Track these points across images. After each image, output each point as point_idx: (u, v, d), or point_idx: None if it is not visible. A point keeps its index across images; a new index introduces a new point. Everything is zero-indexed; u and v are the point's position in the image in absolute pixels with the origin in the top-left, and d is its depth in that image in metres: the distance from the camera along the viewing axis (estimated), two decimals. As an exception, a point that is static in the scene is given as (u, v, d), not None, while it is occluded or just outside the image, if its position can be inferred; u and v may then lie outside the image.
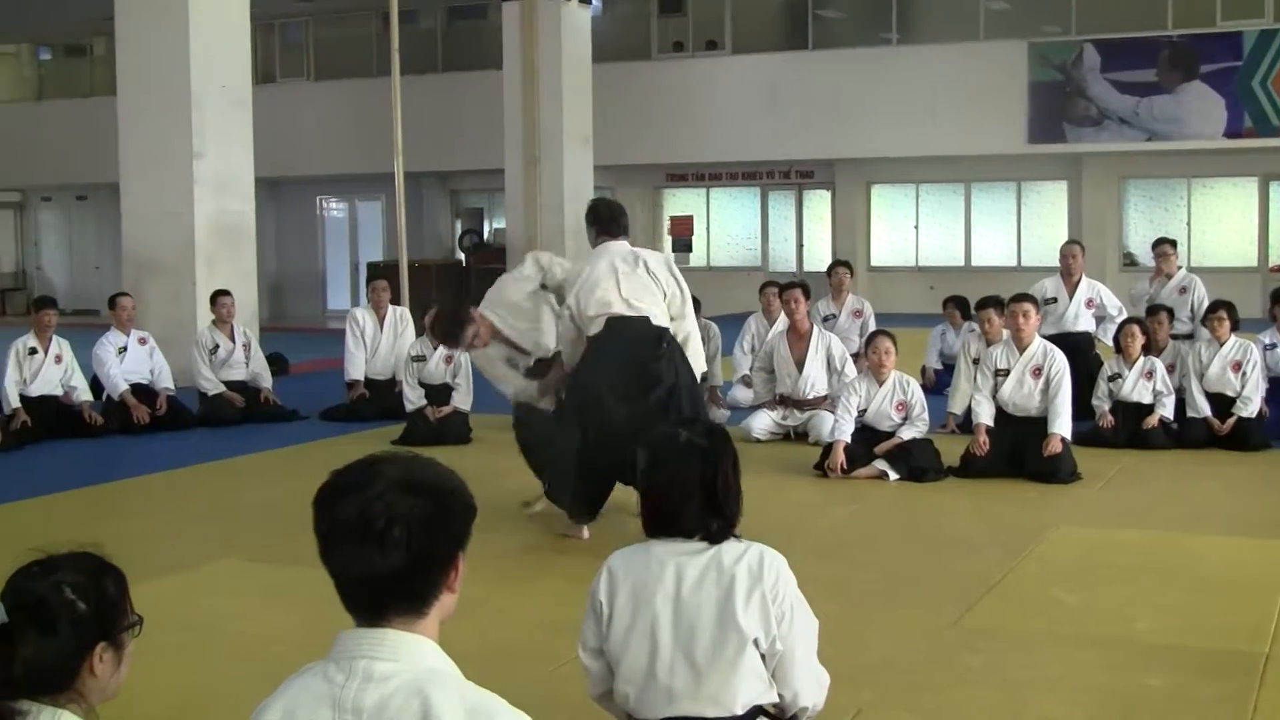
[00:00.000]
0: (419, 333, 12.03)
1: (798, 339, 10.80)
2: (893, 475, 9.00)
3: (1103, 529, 7.68)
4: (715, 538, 3.48)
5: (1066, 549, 7.24)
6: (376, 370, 12.44)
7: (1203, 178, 24.12)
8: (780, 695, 3.51)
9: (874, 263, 26.19)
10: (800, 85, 24.81)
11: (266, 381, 12.64)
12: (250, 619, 6.06)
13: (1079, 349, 11.09)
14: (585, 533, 7.34)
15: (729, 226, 27.67)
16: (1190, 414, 10.27)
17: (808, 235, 26.99)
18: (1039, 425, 9.03)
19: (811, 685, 3.55)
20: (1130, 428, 10.18)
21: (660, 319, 7.23)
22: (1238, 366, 10.28)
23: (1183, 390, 10.39)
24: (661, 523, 3.51)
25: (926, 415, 9.28)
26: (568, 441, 7.28)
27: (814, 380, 10.65)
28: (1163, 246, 12.52)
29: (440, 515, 2.21)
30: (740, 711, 3.45)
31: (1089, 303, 11.82)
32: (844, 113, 24.29)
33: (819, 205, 26.92)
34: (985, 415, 9.24)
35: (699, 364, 7.51)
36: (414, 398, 11.06)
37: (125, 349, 12.02)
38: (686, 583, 3.45)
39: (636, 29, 26.75)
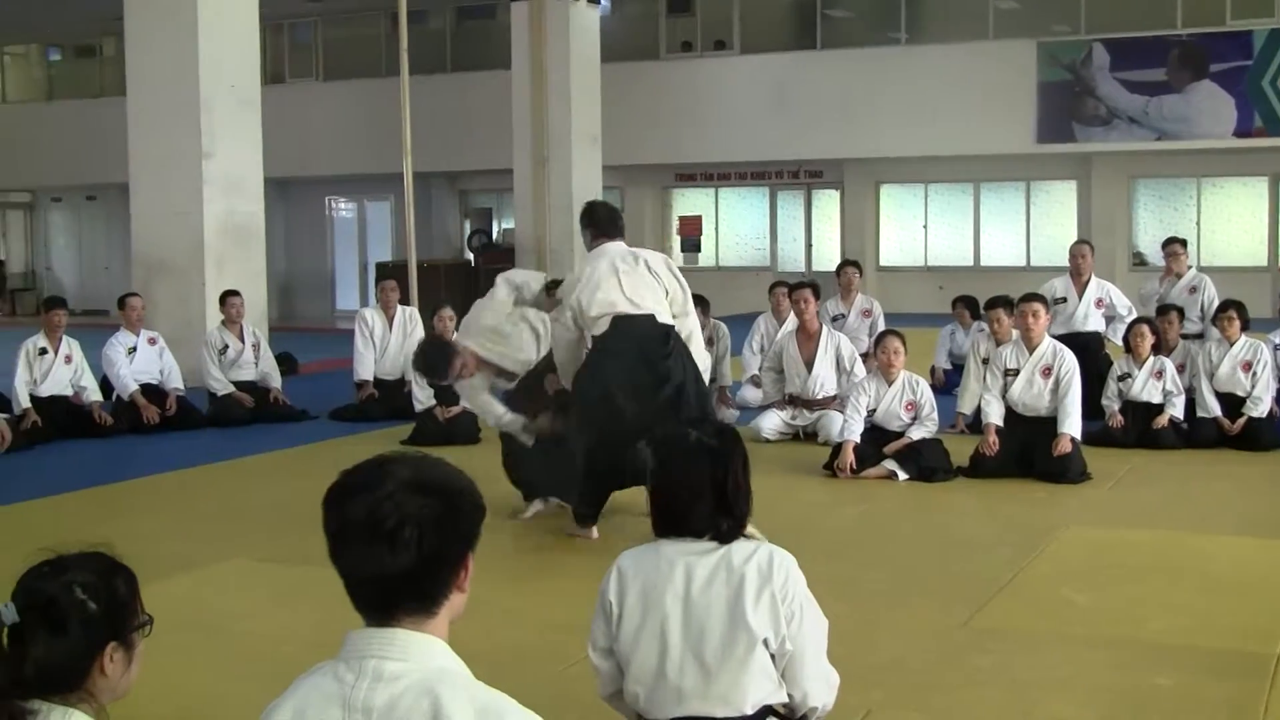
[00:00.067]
0: (428, 333, 12.05)
1: (807, 339, 10.79)
2: (902, 475, 8.99)
3: (1113, 529, 7.66)
4: (725, 537, 3.48)
5: (1076, 549, 7.22)
6: (385, 370, 12.45)
7: (1212, 177, 24.08)
8: (790, 695, 3.51)
9: (883, 262, 26.16)
10: (809, 85, 24.80)
11: (276, 381, 12.66)
12: (260, 619, 6.06)
13: (1089, 349, 11.07)
14: (594, 532, 7.34)
15: (738, 226, 27.66)
16: (1200, 414, 10.25)
17: (816, 235, 26.97)
18: (1048, 425, 9.02)
19: (821, 685, 3.54)
20: (1140, 428, 10.16)
21: (664, 317, 7.24)
22: (1248, 366, 10.26)
23: (1193, 390, 10.37)
24: (671, 522, 3.51)
25: (936, 415, 9.27)
26: (575, 441, 7.28)
27: (823, 380, 10.64)
28: (1173, 246, 12.49)
29: (450, 515, 2.21)
30: (750, 711, 3.45)
31: (1098, 302, 11.79)
32: (853, 113, 24.28)
33: (828, 205, 26.90)
34: (995, 415, 9.22)
35: (702, 361, 7.52)
36: (423, 398, 11.06)
37: (135, 349, 12.04)
38: (696, 582, 3.45)
39: (645, 29, 26.74)
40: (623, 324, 7.11)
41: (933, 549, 7.27)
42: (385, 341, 12.58)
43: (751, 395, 11.74)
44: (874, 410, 9.28)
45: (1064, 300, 11.70)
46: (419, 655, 2.19)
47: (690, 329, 7.43)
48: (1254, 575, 6.67)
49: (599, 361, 7.18)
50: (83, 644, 2.43)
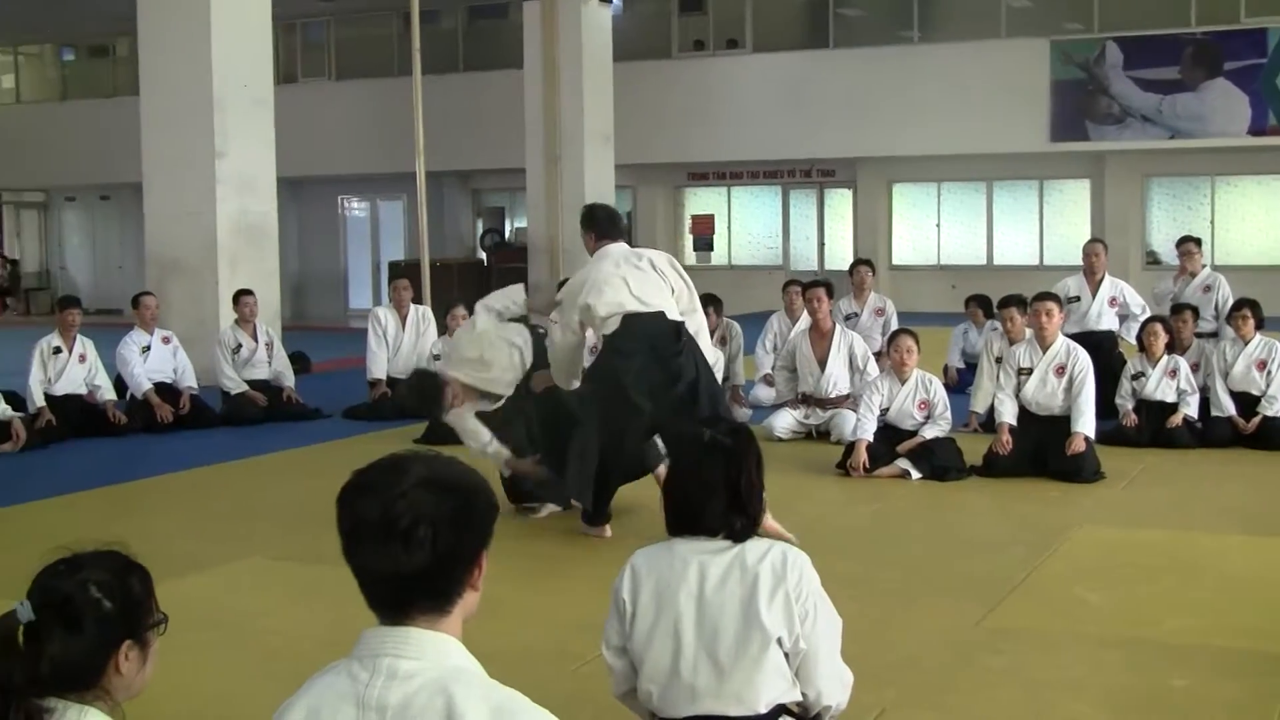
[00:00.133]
0: (441, 332, 12.07)
1: (820, 338, 10.78)
2: (915, 474, 8.98)
3: (1126, 528, 7.65)
4: (739, 536, 3.48)
5: (1090, 548, 7.21)
6: (399, 369, 12.45)
7: (1227, 175, 24.00)
8: (804, 694, 3.51)
9: (896, 261, 26.12)
10: (821, 84, 24.77)
11: (289, 380, 12.68)
12: (274, 617, 6.07)
13: (1102, 348, 11.04)
14: (608, 530, 7.35)
15: (750, 225, 27.63)
16: (1215, 413, 10.23)
17: (829, 234, 26.93)
18: (1062, 424, 9.00)
19: (835, 684, 3.54)
20: (1154, 427, 10.13)
21: (673, 314, 7.25)
22: (1263, 365, 10.23)
23: (1207, 389, 10.34)
24: (685, 521, 3.51)
25: (949, 414, 9.25)
26: (586, 440, 7.28)
27: (836, 379, 10.63)
28: (1187, 245, 12.47)
29: (464, 513, 2.21)
30: (764, 710, 3.45)
31: (1112, 301, 11.77)
32: (865, 111, 24.24)
33: (840, 204, 26.86)
34: (1008, 414, 9.21)
35: (710, 358, 7.54)
36: (436, 397, 11.05)
37: (149, 348, 12.07)
38: (710, 581, 3.45)
39: (657, 27, 26.73)
40: (633, 322, 7.12)
41: (946, 548, 7.26)
42: (398, 340, 12.60)
43: (764, 394, 11.73)
44: (887, 409, 9.27)
45: (1077, 299, 11.68)
46: (433, 654, 2.18)
47: (697, 326, 7.44)
48: (1269, 575, 6.65)
49: (610, 360, 7.18)
50: (98, 642, 2.43)
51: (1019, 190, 25.58)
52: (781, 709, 3.48)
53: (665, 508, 3.57)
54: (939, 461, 9.00)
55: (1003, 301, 10.61)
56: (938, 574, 6.64)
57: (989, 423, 9.79)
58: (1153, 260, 24.00)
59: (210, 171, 14.60)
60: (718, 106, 25.33)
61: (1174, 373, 10.25)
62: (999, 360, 9.71)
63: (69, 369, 11.57)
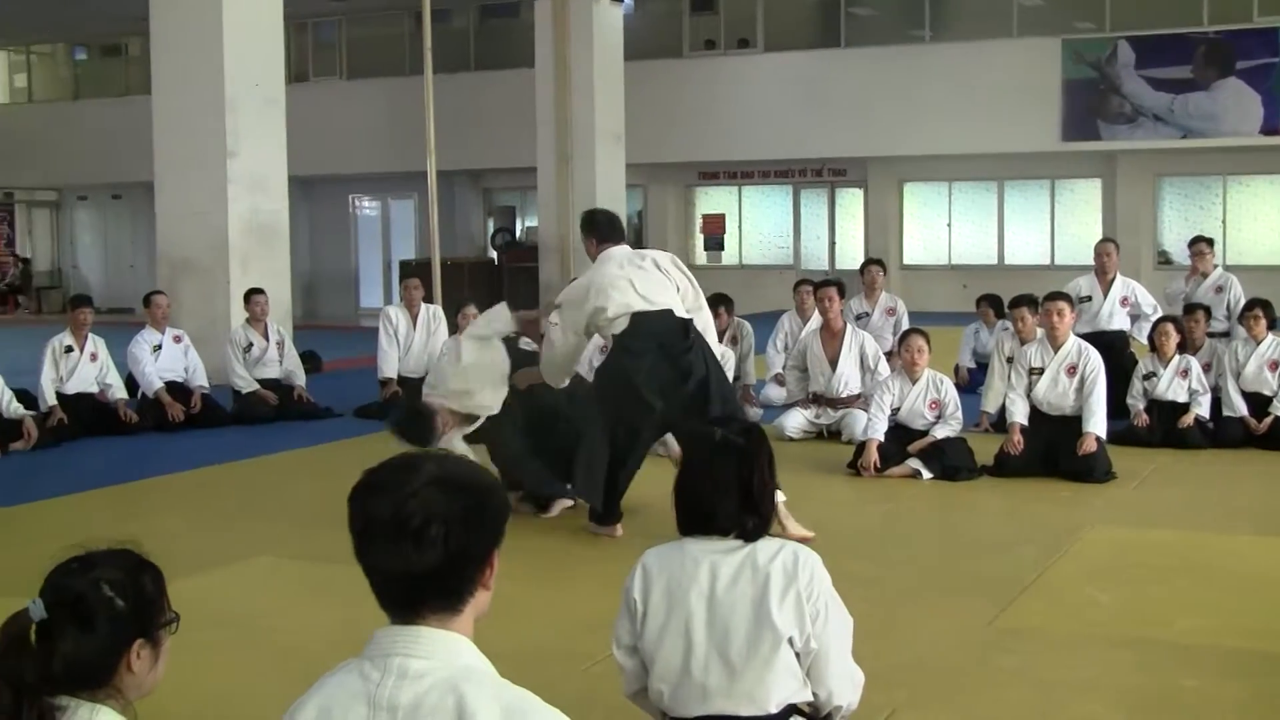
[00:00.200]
0: (451, 330, 12.07)
1: (831, 337, 10.77)
2: (926, 474, 8.97)
3: (1138, 529, 7.63)
4: (750, 536, 3.48)
5: (1101, 549, 7.20)
6: (410, 368, 12.47)
7: (1239, 175, 23.95)
8: (815, 694, 3.51)
9: (907, 261, 26.10)
10: (833, 83, 24.76)
11: (300, 379, 12.70)
12: (285, 616, 6.08)
13: (1114, 347, 11.03)
14: (619, 530, 7.35)
15: (761, 225, 27.62)
16: (1227, 413, 10.20)
17: (840, 233, 26.92)
18: (1073, 424, 8.98)
19: (846, 684, 3.54)
20: (1166, 427, 10.11)
21: (680, 312, 7.27)
22: (1275, 365, 10.20)
23: (1219, 389, 10.32)
24: (696, 521, 3.51)
25: (960, 414, 9.24)
26: (594, 442, 7.29)
27: (847, 379, 10.62)
28: (1199, 245, 12.45)
29: (475, 512, 2.21)
30: (775, 710, 3.44)
31: (1124, 301, 11.76)
32: (876, 111, 24.22)
33: (851, 203, 26.84)
34: (1019, 414, 9.19)
35: (718, 355, 7.56)
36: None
37: (160, 347, 12.09)
38: (721, 581, 3.45)
39: (668, 27, 26.74)
40: (641, 320, 7.14)
41: (957, 548, 7.25)
42: (409, 339, 12.61)
43: (775, 394, 11.72)
44: (898, 409, 9.26)
45: (1089, 299, 11.67)
46: (444, 653, 2.18)
47: (704, 323, 7.46)
48: (1281, 575, 6.64)
49: (620, 359, 7.19)
50: (110, 641, 2.44)
51: (1030, 190, 25.55)
52: (792, 709, 3.48)
53: (676, 507, 3.56)
54: (950, 461, 8.98)
55: (1014, 301, 10.61)
56: (949, 574, 6.63)
57: (1000, 423, 9.78)
58: (1164, 260, 23.96)
59: (222, 171, 14.62)
60: (729, 106, 25.32)
61: (1185, 373, 10.23)
62: (1010, 360, 9.70)
63: (80, 367, 11.60)
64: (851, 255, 25.34)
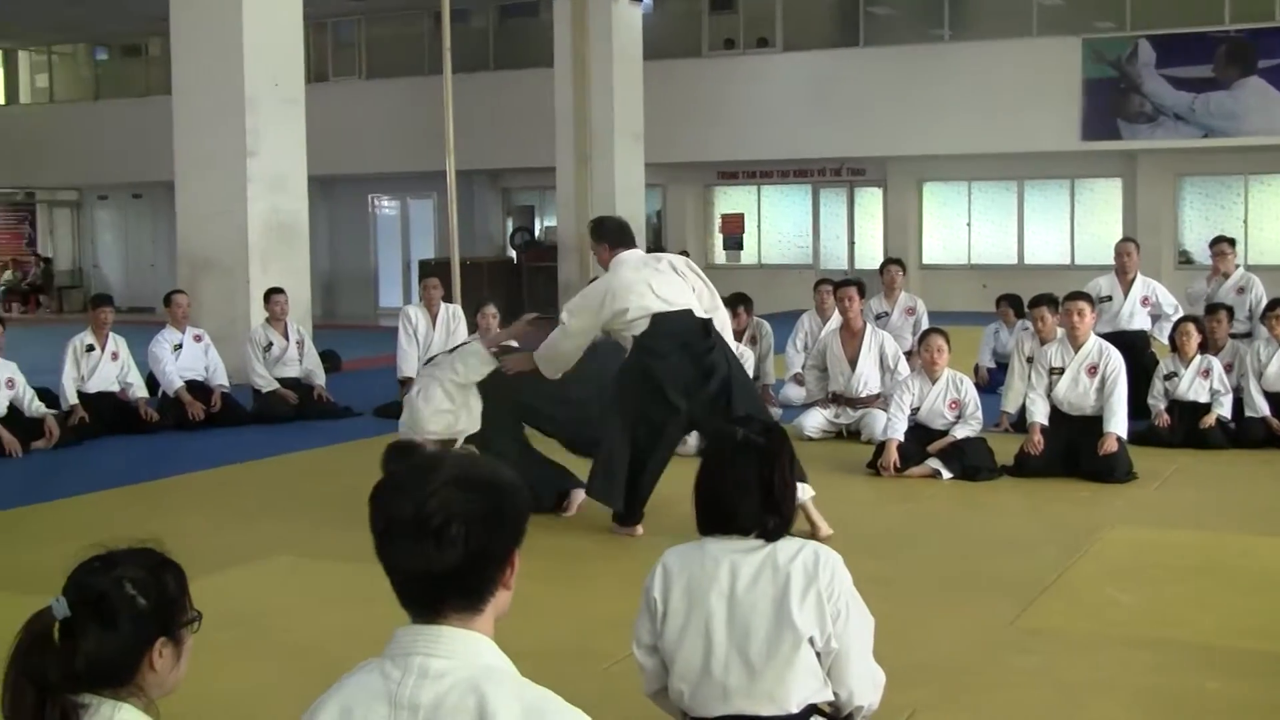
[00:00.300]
0: (470, 330, 12.08)
1: (851, 337, 10.76)
2: (946, 474, 8.95)
3: (1159, 529, 7.61)
4: (771, 535, 3.48)
5: (1122, 549, 7.18)
6: (429, 368, 12.47)
7: (1260, 174, 23.84)
8: (835, 694, 3.50)
9: (926, 260, 26.04)
10: (852, 82, 24.72)
11: (320, 379, 12.73)
12: (305, 615, 6.09)
13: (1134, 347, 10.99)
14: (639, 529, 7.35)
15: (780, 224, 27.59)
16: (1249, 413, 10.16)
17: (859, 233, 26.87)
18: (1094, 424, 8.96)
19: (867, 684, 3.54)
20: (1187, 427, 10.07)
21: (699, 313, 7.28)
22: (1297, 366, 10.16)
23: (1241, 389, 10.28)
24: (717, 520, 3.51)
25: (980, 414, 9.22)
26: (617, 442, 7.29)
27: (867, 378, 10.60)
28: (1220, 245, 12.39)
29: (496, 512, 2.21)
30: (795, 710, 3.44)
31: (1144, 301, 11.71)
32: (896, 110, 24.16)
33: (871, 203, 26.80)
34: (1040, 414, 9.17)
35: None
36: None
37: (180, 346, 12.13)
38: (741, 580, 3.45)
39: (687, 26, 26.72)
40: (662, 321, 7.16)
41: (977, 548, 7.23)
42: (428, 339, 12.62)
43: (794, 393, 11.71)
44: (917, 409, 9.25)
45: (1109, 299, 11.62)
46: (465, 653, 2.18)
47: (721, 324, 7.48)
48: (1303, 576, 6.61)
49: (642, 359, 7.19)
50: (133, 639, 2.44)
51: (1050, 189, 25.47)
52: (813, 709, 3.48)
53: (696, 507, 3.56)
54: (970, 461, 8.97)
55: (1034, 301, 10.56)
56: (969, 574, 6.61)
57: (1020, 423, 9.76)
58: (1185, 260, 23.87)
59: (242, 170, 14.66)
60: (748, 105, 25.29)
61: (1207, 373, 10.19)
62: (1030, 360, 9.67)
63: (101, 366, 11.65)
64: (870, 255, 25.30)
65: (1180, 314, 11.30)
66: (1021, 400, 9.71)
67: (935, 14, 25.05)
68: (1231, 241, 12.56)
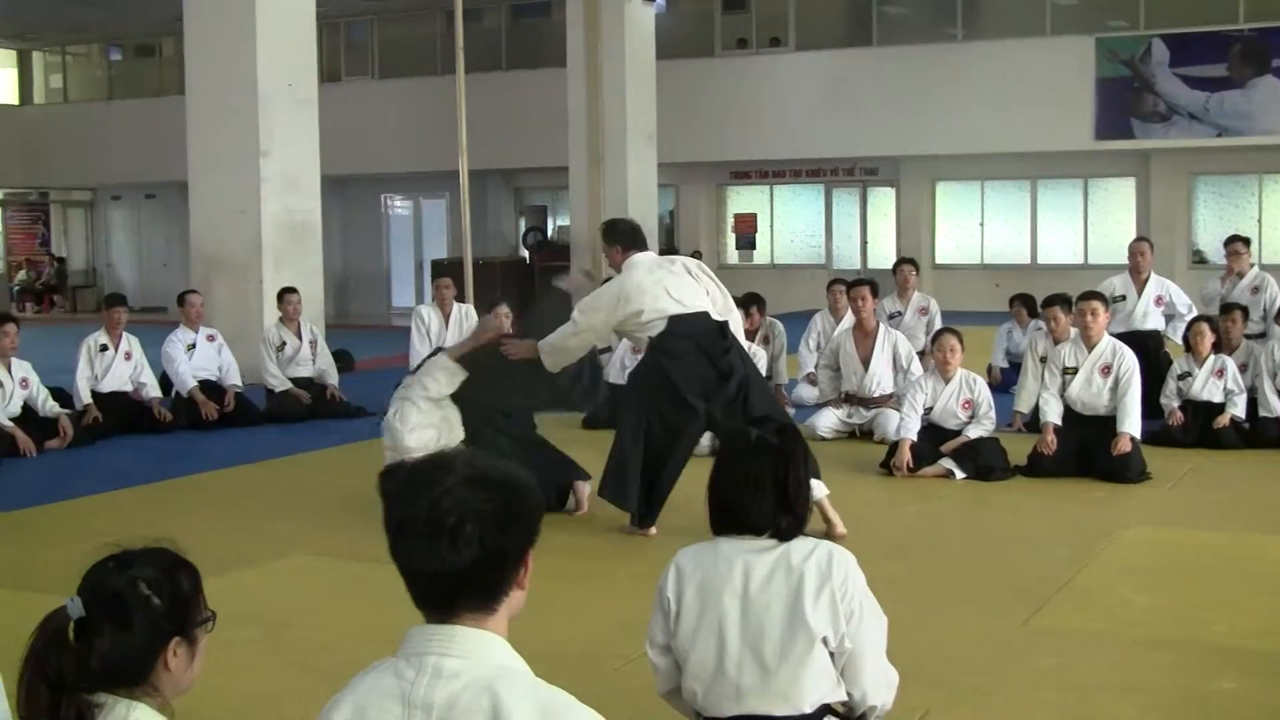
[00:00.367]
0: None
1: (864, 336, 10.74)
2: (959, 474, 8.94)
3: (1173, 529, 7.59)
4: (785, 535, 3.47)
5: (1136, 549, 7.16)
6: (441, 367, 12.47)
7: (1275, 174, 23.78)
8: (849, 694, 3.50)
9: (939, 260, 26.02)
10: (865, 82, 24.70)
11: (333, 378, 12.74)
12: (319, 615, 6.10)
13: (1148, 347, 10.96)
14: (653, 529, 7.35)
15: (793, 224, 27.58)
16: (1263, 413, 10.12)
17: (872, 232, 26.86)
18: (1108, 424, 8.93)
19: (880, 684, 3.53)
20: (1201, 427, 10.04)
21: (715, 315, 7.29)
22: (1312, 366, 10.13)
23: (1255, 390, 10.24)
24: (730, 520, 3.51)
25: (993, 414, 9.21)
26: (629, 443, 7.29)
27: (880, 378, 10.59)
28: (1235, 245, 12.35)
29: (510, 511, 2.21)
30: (809, 710, 3.44)
31: (1158, 300, 11.69)
32: (908, 109, 24.14)
33: (883, 202, 26.78)
34: (1053, 414, 9.15)
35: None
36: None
37: (194, 346, 12.15)
38: (755, 580, 3.45)
39: (700, 26, 26.72)
40: (678, 323, 7.17)
41: (990, 548, 7.22)
42: (441, 339, 12.61)
43: (807, 393, 11.70)
44: (931, 408, 9.24)
45: (1123, 298, 11.60)
46: (479, 653, 2.18)
47: (734, 327, 7.49)
48: (1318, 577, 6.58)
49: (658, 361, 7.19)
50: (147, 638, 2.44)
51: (1063, 189, 25.43)
52: (827, 709, 3.48)
53: (710, 506, 3.56)
54: (983, 461, 8.95)
55: (1047, 301, 10.55)
56: (982, 574, 6.60)
57: (1033, 423, 9.73)
58: (1199, 259, 23.82)
59: (255, 170, 14.68)
60: (760, 105, 25.29)
61: (1221, 373, 10.15)
62: (1043, 360, 9.65)
63: (115, 366, 11.67)
64: (883, 255, 25.28)
65: (1194, 314, 11.27)
66: (1035, 400, 9.69)
67: (948, 13, 25.02)
68: (1246, 241, 12.52)
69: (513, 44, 27.86)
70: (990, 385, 10.14)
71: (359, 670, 2.30)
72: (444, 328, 12.66)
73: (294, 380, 12.43)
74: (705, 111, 25.22)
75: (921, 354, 11.14)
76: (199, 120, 15.17)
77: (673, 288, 7.26)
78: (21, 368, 10.77)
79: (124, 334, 11.81)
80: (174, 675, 2.48)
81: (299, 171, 15.08)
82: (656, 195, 22.91)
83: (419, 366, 8.04)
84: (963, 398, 9.19)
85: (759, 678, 3.43)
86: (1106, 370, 9.07)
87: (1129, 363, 9.02)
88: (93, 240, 33.53)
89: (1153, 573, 6.62)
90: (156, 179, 28.74)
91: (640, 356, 7.83)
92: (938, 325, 11.78)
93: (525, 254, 27.85)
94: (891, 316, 12.56)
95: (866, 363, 10.61)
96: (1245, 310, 11.07)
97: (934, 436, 9.15)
